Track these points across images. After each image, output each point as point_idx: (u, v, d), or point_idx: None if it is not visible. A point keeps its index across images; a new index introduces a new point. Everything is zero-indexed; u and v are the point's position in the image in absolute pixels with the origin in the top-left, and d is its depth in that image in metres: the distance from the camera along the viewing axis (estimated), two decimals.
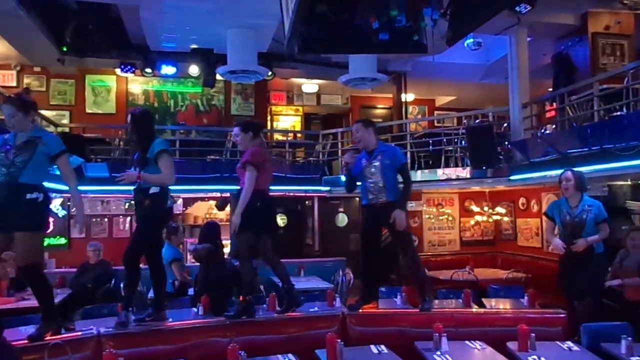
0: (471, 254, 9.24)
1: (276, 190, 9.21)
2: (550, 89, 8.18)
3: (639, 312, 4.61)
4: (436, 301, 5.65)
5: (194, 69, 8.94)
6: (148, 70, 9.08)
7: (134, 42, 8.75)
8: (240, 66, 7.32)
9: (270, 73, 9.14)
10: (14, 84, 9.93)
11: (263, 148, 4.78)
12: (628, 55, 7.45)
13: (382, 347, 3.84)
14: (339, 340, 3.56)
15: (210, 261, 5.11)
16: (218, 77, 8.61)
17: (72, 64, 9.27)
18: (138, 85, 10.63)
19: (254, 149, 4.45)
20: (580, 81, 6.81)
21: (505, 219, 9.15)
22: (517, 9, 5.82)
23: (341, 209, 10.92)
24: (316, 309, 4.83)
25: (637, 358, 3.54)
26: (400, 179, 4.62)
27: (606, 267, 4.85)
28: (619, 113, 5.70)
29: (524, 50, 7.57)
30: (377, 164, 4.55)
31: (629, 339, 3.71)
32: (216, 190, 8.96)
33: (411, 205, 9.64)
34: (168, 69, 9.11)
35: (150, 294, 6.22)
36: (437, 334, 3.77)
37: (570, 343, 4.00)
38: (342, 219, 10.98)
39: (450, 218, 9.60)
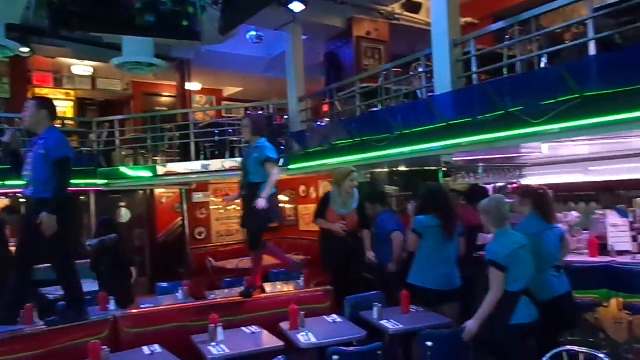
0: None
1: None
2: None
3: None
4: (225, 290, 5.72)
5: None
6: None
7: None
8: None
9: (27, 49, 7.92)
10: None
11: None
12: (384, 59, 8.56)
13: (156, 346, 3.69)
14: (104, 347, 3.29)
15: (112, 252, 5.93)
16: None
17: None
18: None
19: None
20: (347, 79, 7.56)
21: (288, 205, 9.71)
22: (290, 7, 6.11)
23: (123, 204, 10.18)
24: None
25: (385, 321, 4.12)
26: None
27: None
28: (375, 109, 6.49)
29: (299, 47, 8.08)
30: (34, 152, 3.90)
31: (380, 305, 4.29)
32: None
33: (198, 197, 9.54)
34: None
35: None
36: (213, 325, 3.78)
37: (335, 316, 4.45)
38: (124, 214, 10.25)
39: (237, 208, 9.75)
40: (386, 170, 8.29)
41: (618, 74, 3.78)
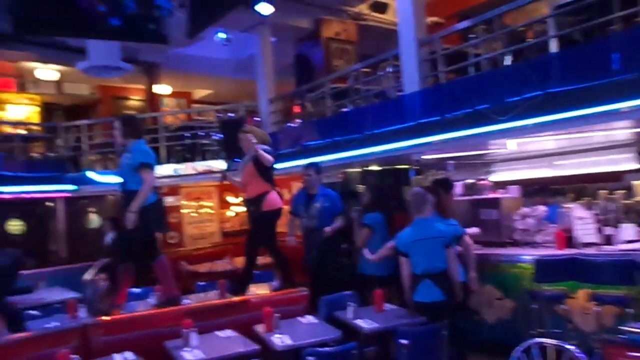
0: (232, 244, 9.47)
1: (8, 192, 7.87)
2: None
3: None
4: (200, 295, 5.64)
5: None
6: None
7: None
8: None
9: None
10: None
11: None
12: (353, 59, 8.60)
13: (129, 353, 3.63)
14: (73, 356, 3.21)
15: None
16: None
17: None
18: None
19: None
20: (317, 80, 7.57)
21: None
22: (256, 9, 6.09)
23: (92, 209, 9.94)
24: (55, 324, 4.30)
25: (360, 320, 4.14)
26: None
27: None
28: (345, 109, 6.52)
29: (268, 49, 8.06)
30: None
31: (354, 304, 4.31)
32: None
33: (170, 201, 9.38)
34: None
35: None
36: (186, 330, 3.73)
37: (309, 317, 4.43)
38: (94, 220, 10.02)
39: (210, 211, 9.67)
40: (358, 169, 8.33)
41: (579, 70, 3.90)
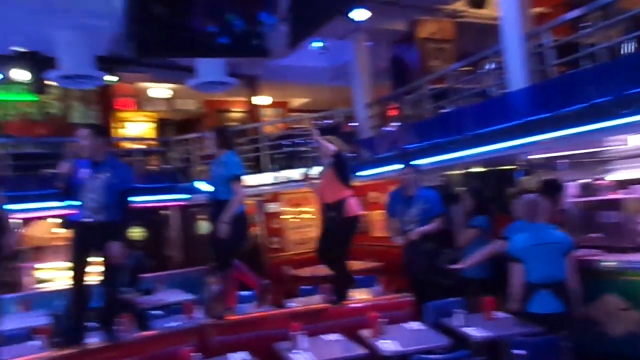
0: None
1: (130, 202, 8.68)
2: None
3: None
4: (301, 298, 5.79)
5: (17, 74, 7.93)
6: None
7: None
8: (73, 70, 6.68)
9: (114, 78, 8.54)
10: None
11: None
12: (450, 58, 8.34)
13: (243, 354, 3.80)
14: (194, 354, 3.44)
15: None
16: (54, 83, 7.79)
17: None
18: None
19: None
20: (415, 82, 7.46)
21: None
22: (351, 16, 6.17)
23: (202, 216, 10.62)
24: (175, 324, 4.64)
25: (469, 328, 3.99)
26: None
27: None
28: (444, 110, 6.35)
29: (364, 54, 8.09)
30: (101, 178, 3.94)
31: (463, 311, 4.17)
32: (56, 208, 8.06)
33: (273, 207, 9.76)
34: None
35: None
36: (296, 333, 3.84)
37: (415, 323, 4.36)
38: (203, 227, 10.70)
39: (310, 216, 9.88)
40: (459, 171, 8.06)
41: None
